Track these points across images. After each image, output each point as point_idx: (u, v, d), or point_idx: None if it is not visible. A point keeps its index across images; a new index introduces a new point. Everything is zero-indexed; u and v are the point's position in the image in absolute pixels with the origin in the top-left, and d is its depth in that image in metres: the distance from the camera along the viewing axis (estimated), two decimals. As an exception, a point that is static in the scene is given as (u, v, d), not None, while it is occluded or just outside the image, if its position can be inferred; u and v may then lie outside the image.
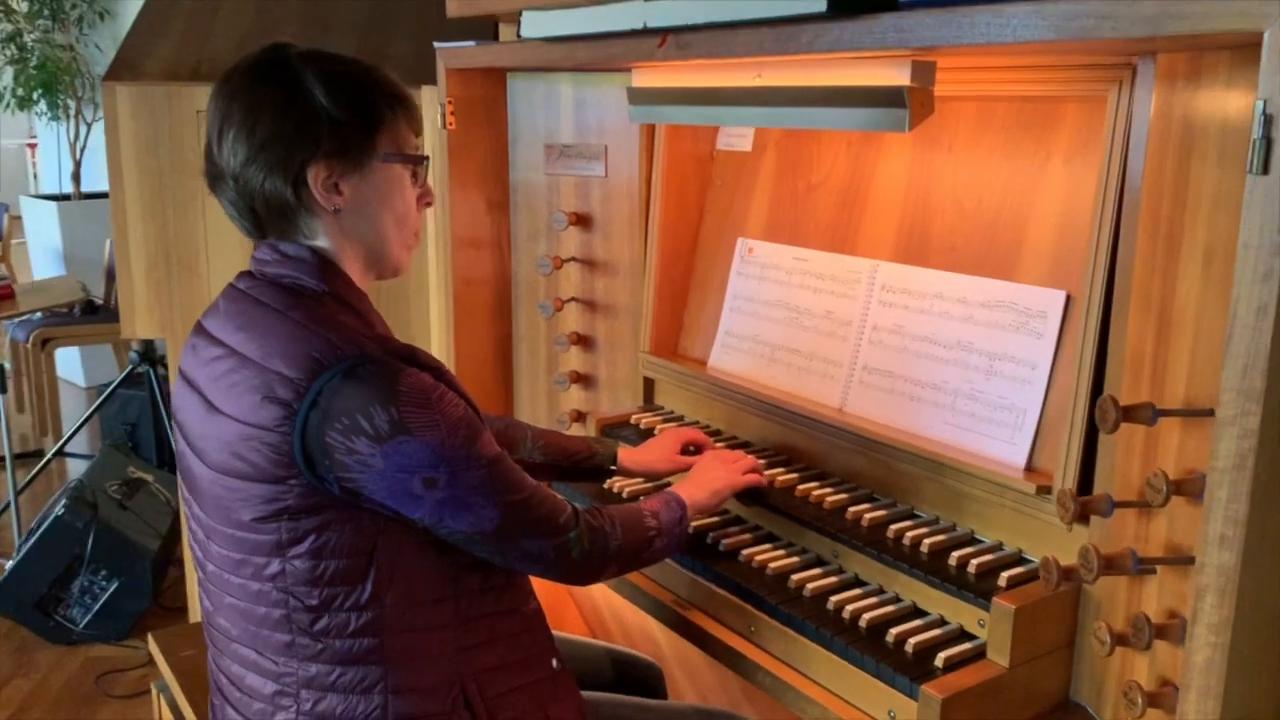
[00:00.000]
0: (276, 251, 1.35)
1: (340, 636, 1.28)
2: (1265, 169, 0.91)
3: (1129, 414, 1.15)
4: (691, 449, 1.88)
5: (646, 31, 1.54)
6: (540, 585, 1.51)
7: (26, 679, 3.27)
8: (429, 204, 1.46)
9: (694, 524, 1.78)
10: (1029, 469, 1.51)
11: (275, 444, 1.22)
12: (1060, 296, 1.49)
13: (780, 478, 1.79)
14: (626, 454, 1.88)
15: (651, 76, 1.79)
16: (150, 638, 2.04)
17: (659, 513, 1.55)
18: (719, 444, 1.94)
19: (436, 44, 2.14)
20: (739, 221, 2.03)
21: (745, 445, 1.95)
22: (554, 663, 1.49)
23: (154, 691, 2.01)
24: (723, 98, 1.66)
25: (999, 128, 1.60)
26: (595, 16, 1.60)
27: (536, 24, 1.73)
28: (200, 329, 1.38)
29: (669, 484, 1.84)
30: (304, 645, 1.29)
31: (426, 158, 1.43)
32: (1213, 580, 1.01)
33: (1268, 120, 0.91)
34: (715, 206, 2.09)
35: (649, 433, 2.04)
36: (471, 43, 2.03)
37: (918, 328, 1.68)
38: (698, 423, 2.06)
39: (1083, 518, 1.36)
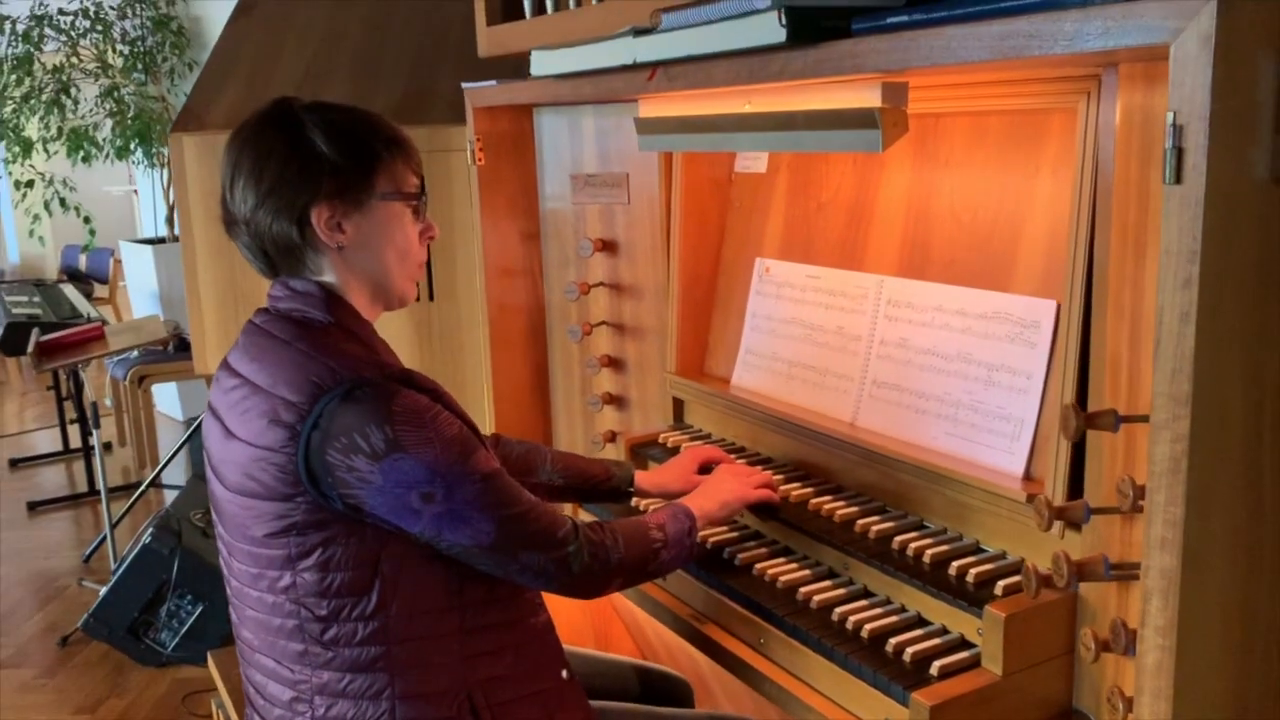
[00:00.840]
0: (287, 288, 1.45)
1: (349, 645, 1.36)
2: (1178, 179, 0.93)
3: (1091, 421, 1.17)
4: (709, 468, 1.90)
5: (637, 66, 1.60)
6: (587, 603, 1.56)
7: (120, 699, 3.46)
8: (432, 238, 1.55)
9: (713, 539, 1.83)
10: (1027, 477, 1.52)
11: (282, 464, 1.31)
12: (1052, 306, 1.50)
13: (795, 492, 1.82)
14: (643, 476, 1.92)
15: (655, 107, 1.85)
16: (210, 656, 2.16)
17: (665, 525, 1.58)
18: (741, 460, 1.98)
19: (464, 84, 2.23)
20: (756, 241, 2.08)
21: (766, 461, 1.98)
22: (563, 673, 1.55)
23: (214, 707, 2.13)
24: (719, 125, 1.71)
25: (992, 141, 1.62)
26: (592, 53, 1.67)
27: (543, 62, 1.81)
28: (224, 363, 1.49)
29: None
30: (316, 654, 1.37)
31: (423, 195, 1.51)
32: (1156, 583, 1.02)
33: (1178, 130, 0.93)
34: (735, 228, 2.14)
35: (677, 451, 2.09)
36: (493, 82, 2.12)
37: (921, 341, 1.70)
38: (723, 440, 2.10)
39: (1076, 525, 1.37)
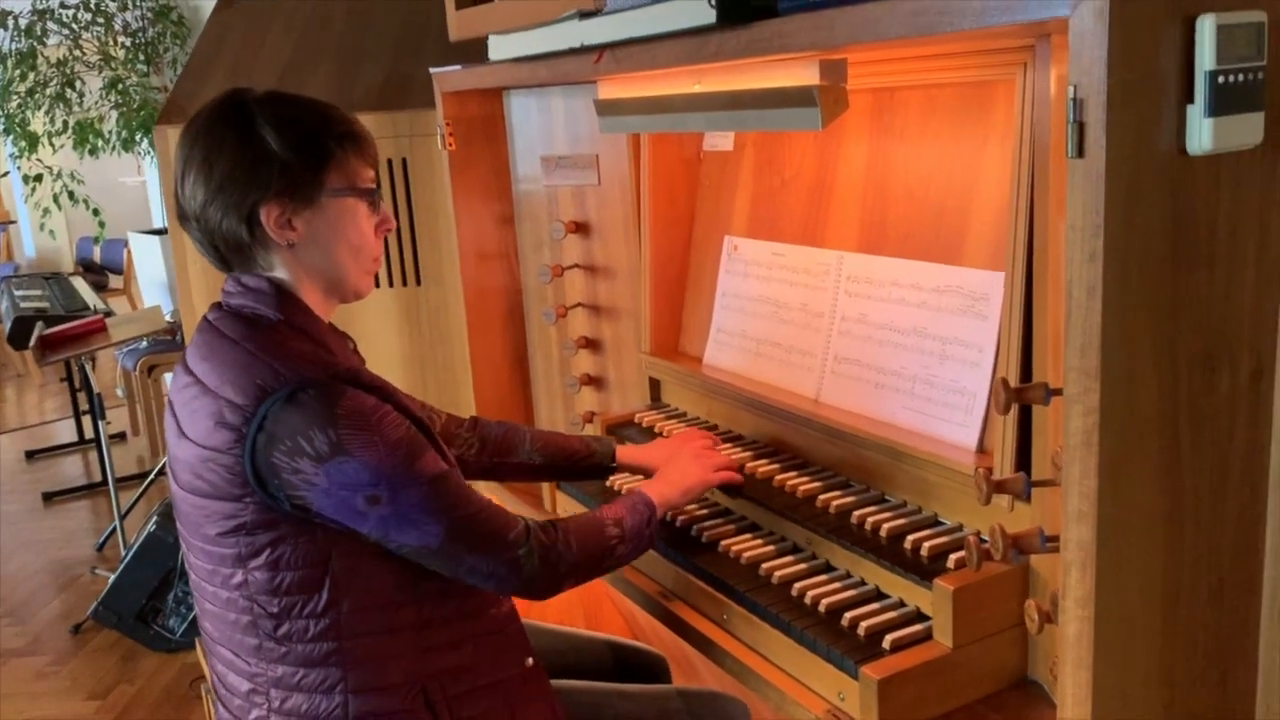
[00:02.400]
0: (239, 284, 1.46)
1: (301, 641, 1.37)
2: (1080, 152, 0.93)
3: (1020, 395, 1.17)
4: None
5: (585, 49, 1.60)
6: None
7: (130, 684, 3.52)
8: (388, 230, 1.53)
9: (681, 517, 1.85)
10: (980, 450, 1.52)
11: (229, 465, 1.32)
12: (1000, 279, 1.50)
13: (763, 469, 1.84)
14: (625, 451, 1.92)
15: (613, 89, 1.86)
16: (198, 643, 2.19)
17: (623, 519, 1.57)
18: (717, 438, 1.99)
19: (432, 70, 2.24)
20: (725, 220, 2.08)
21: (739, 439, 1.99)
22: (528, 661, 1.55)
23: (204, 693, 2.17)
24: (673, 105, 1.71)
25: (942, 115, 1.61)
26: (542, 37, 1.68)
27: (500, 47, 1.81)
28: (182, 358, 1.50)
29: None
30: (270, 648, 1.39)
31: (377, 190, 1.50)
32: (1074, 556, 1.02)
33: (1078, 104, 0.93)
34: (704, 207, 2.14)
35: (652, 431, 2.11)
36: (458, 67, 2.13)
37: (879, 316, 1.71)
38: (698, 419, 2.11)
39: (1022, 498, 1.38)
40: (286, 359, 1.35)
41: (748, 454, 1.91)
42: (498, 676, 1.50)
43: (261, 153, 1.39)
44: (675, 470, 1.74)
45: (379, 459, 1.31)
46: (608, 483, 2.01)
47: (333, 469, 1.29)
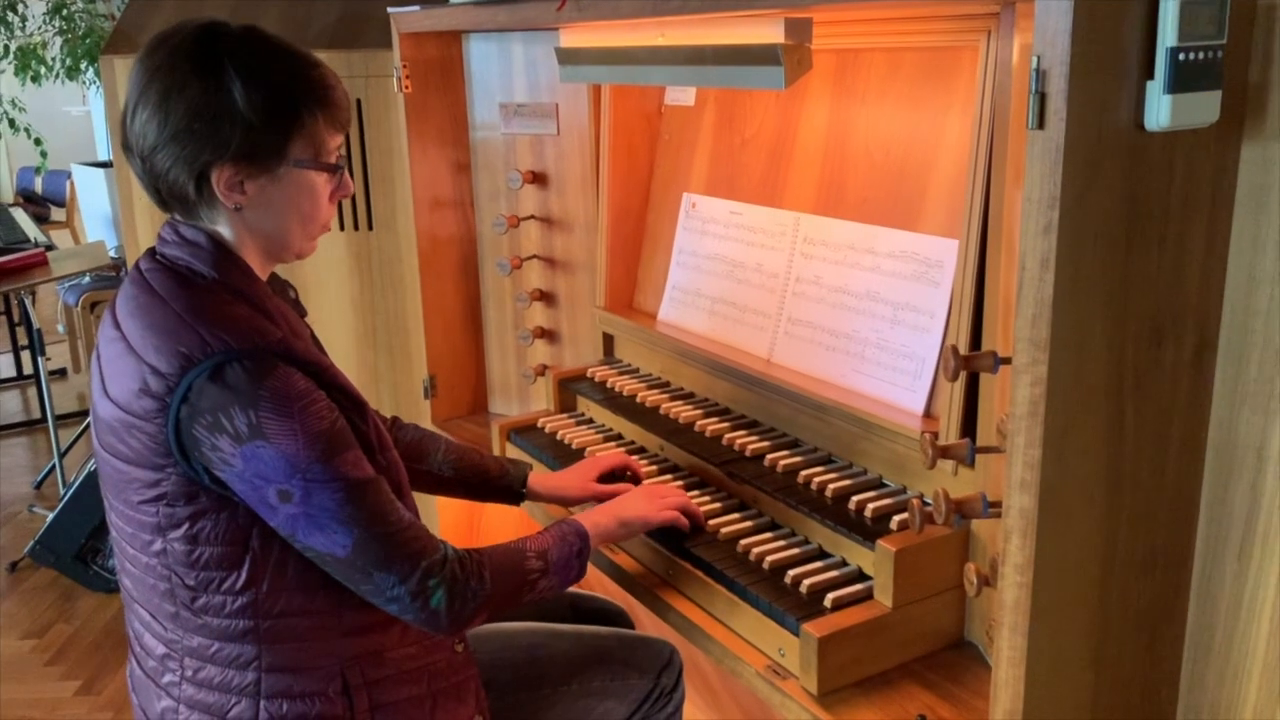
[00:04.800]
0: (177, 234, 1.36)
1: (218, 616, 1.33)
2: (1041, 123, 0.93)
3: (969, 362, 1.18)
4: (629, 475, 1.83)
5: (548, -5, 1.57)
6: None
7: (68, 624, 3.48)
8: (345, 196, 1.44)
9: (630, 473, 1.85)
10: (927, 415, 1.54)
11: (152, 434, 1.26)
12: (954, 246, 1.51)
13: (712, 427, 1.84)
14: (538, 478, 1.83)
15: (575, 38, 1.83)
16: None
17: (548, 551, 1.47)
18: (668, 396, 1.99)
19: (390, 9, 2.19)
20: (684, 176, 2.07)
21: (690, 396, 2.00)
22: (457, 647, 1.50)
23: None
24: (635, 57, 1.69)
25: (905, 78, 1.61)
26: (505, -19, 1.64)
27: (461, -10, 1.77)
28: (110, 305, 1.41)
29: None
30: (186, 618, 1.34)
31: (340, 166, 1.40)
32: (1016, 523, 1.04)
33: (1040, 75, 0.93)
34: (664, 162, 2.13)
35: (605, 386, 2.11)
36: (417, 7, 2.08)
37: (833, 279, 1.71)
38: (649, 375, 2.11)
39: (966, 462, 1.40)
40: (216, 325, 1.26)
41: (698, 411, 1.92)
42: (423, 661, 1.45)
43: (225, 108, 1.28)
44: (619, 502, 1.65)
45: (295, 450, 1.23)
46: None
47: (249, 452, 1.23)
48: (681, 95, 2.08)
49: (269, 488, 1.25)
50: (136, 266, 1.39)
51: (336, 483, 1.26)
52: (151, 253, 1.39)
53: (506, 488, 1.81)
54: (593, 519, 1.58)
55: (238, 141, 1.28)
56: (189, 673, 1.37)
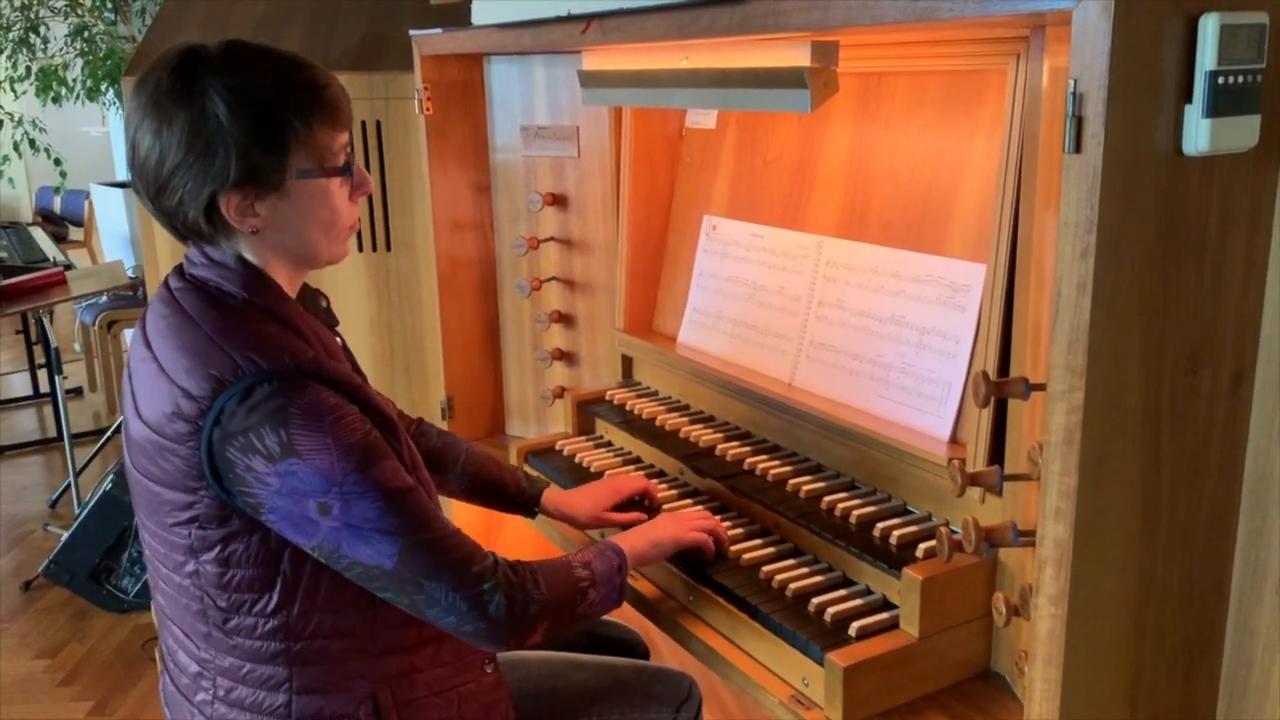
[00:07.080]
0: (204, 255, 1.35)
1: (249, 637, 1.32)
2: (1078, 147, 0.92)
3: (1000, 388, 1.16)
4: (645, 501, 1.83)
5: (573, 18, 1.57)
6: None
7: (81, 644, 3.47)
8: (366, 193, 1.42)
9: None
10: (953, 441, 1.52)
11: (185, 457, 1.25)
12: (982, 270, 1.49)
13: (733, 451, 1.83)
14: (552, 496, 1.82)
15: (598, 60, 1.83)
16: (153, 605, 2.16)
17: (592, 563, 1.46)
18: (687, 419, 1.98)
19: (412, 31, 2.19)
20: (705, 199, 2.06)
21: (711, 420, 1.98)
22: (487, 669, 1.49)
23: (157, 657, 2.14)
24: (659, 80, 1.69)
25: (930, 102, 1.60)
26: (529, 3, 1.64)
27: (484, 12, 1.78)
28: (141, 323, 1.40)
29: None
30: (219, 639, 1.34)
31: (348, 164, 1.36)
32: (1050, 553, 1.02)
33: (1078, 99, 0.91)
34: (684, 184, 2.12)
35: (624, 409, 2.09)
36: (439, 30, 2.09)
37: (857, 302, 1.70)
38: (669, 398, 2.10)
39: (995, 490, 1.38)
40: (247, 347, 1.25)
41: (718, 435, 1.90)
42: (454, 683, 1.44)
43: (215, 136, 1.24)
44: (649, 526, 1.64)
45: (330, 464, 1.22)
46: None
47: (283, 470, 1.22)
48: (703, 118, 2.07)
49: (308, 501, 1.23)
50: (166, 284, 1.38)
51: (375, 493, 1.24)
52: (180, 270, 1.38)
53: (523, 503, 1.81)
54: (627, 540, 1.57)
55: (236, 166, 1.26)
56: (221, 692, 1.37)
